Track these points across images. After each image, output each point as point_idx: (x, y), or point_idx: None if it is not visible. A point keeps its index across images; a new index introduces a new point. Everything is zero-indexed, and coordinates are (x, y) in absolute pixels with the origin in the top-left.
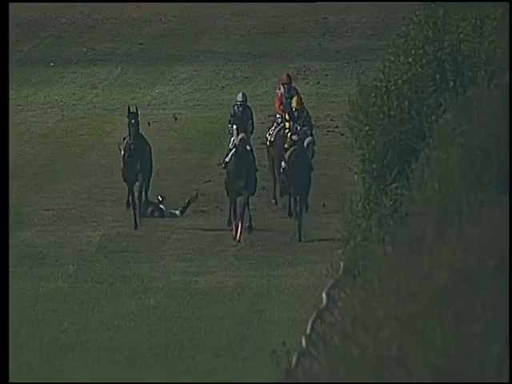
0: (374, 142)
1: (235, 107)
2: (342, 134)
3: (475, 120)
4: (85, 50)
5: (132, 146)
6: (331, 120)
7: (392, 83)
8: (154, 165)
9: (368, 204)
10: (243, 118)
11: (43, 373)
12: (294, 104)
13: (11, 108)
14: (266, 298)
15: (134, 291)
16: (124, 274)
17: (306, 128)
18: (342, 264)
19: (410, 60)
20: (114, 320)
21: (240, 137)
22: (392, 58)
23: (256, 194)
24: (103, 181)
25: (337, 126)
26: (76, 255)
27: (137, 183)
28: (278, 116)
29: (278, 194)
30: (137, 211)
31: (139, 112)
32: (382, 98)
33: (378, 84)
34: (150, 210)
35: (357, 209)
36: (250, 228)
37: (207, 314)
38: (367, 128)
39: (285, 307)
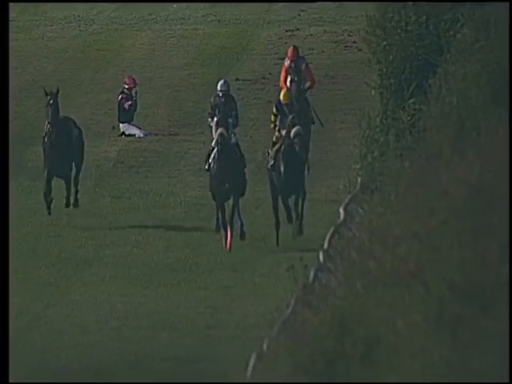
0: (391, 56)
1: (216, 98)
2: (360, 49)
3: (493, 35)
4: None
5: (53, 132)
6: (349, 35)
7: None
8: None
9: (385, 119)
10: (225, 109)
11: (62, 288)
12: (281, 97)
13: (29, 23)
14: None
15: (152, 206)
16: (141, 188)
17: (293, 116)
18: (359, 179)
19: None
20: (131, 235)
21: (218, 132)
22: None
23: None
24: None
25: (354, 42)
26: (93, 170)
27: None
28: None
29: None
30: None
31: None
32: (399, 13)
33: None
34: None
35: (374, 124)
36: (242, 235)
37: None
38: (385, 43)
39: (302, 222)
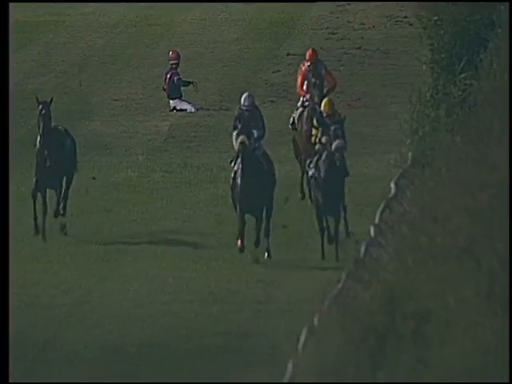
0: (442, 31)
1: (240, 110)
2: (411, 24)
3: None
4: None
5: (44, 144)
6: (400, 10)
7: None
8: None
9: (436, 94)
10: (249, 120)
11: (113, 263)
12: (323, 108)
13: None
14: None
15: (202, 181)
16: (192, 163)
17: (336, 126)
18: (410, 154)
19: None
20: (182, 209)
21: (240, 140)
22: None
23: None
24: None
25: (406, 16)
26: (145, 145)
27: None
28: (301, 98)
29: (305, 185)
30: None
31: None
32: None
33: None
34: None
35: (425, 98)
36: (269, 254)
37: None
38: (436, 18)
39: (353, 197)
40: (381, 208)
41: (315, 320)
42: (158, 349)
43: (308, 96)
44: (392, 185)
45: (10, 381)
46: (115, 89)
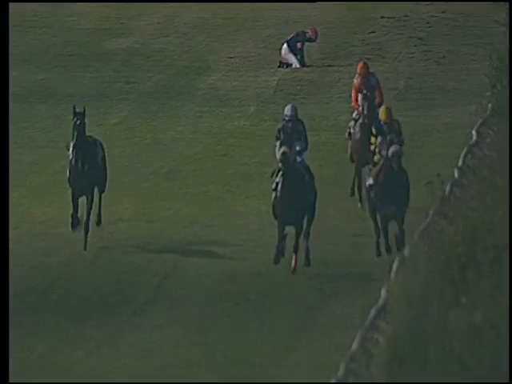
0: None
1: (283, 122)
2: None
3: None
4: None
5: (79, 154)
6: None
7: None
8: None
9: None
10: (291, 132)
11: (227, 201)
12: (381, 116)
13: None
14: (423, 135)
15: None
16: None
17: (392, 135)
18: (489, 105)
19: None
20: None
21: (281, 151)
22: None
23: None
24: (280, 32)
25: None
26: (255, 97)
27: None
28: (355, 112)
29: (356, 186)
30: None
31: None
32: None
33: None
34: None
35: (503, 56)
36: (308, 261)
37: None
38: None
39: (439, 143)
40: (463, 153)
41: (405, 251)
42: (266, 276)
43: (360, 108)
44: (473, 132)
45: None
46: (230, 48)
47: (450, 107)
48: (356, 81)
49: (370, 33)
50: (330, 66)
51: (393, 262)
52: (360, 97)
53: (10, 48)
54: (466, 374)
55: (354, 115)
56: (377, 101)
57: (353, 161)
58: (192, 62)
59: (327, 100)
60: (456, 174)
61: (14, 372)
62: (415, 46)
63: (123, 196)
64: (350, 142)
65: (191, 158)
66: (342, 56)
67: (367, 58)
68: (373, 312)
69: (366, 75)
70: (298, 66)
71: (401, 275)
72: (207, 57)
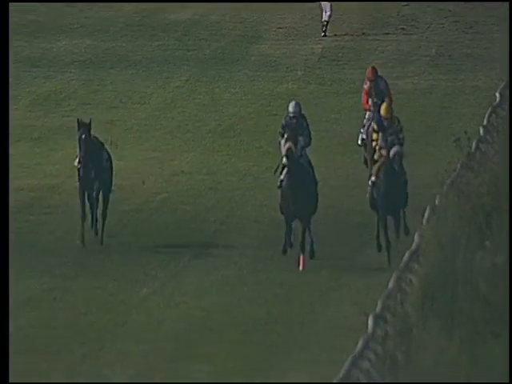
0: None
1: (287, 118)
2: None
3: None
4: None
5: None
6: None
7: None
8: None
9: None
10: (295, 127)
11: (278, 156)
12: (382, 112)
13: None
14: (452, 97)
15: (347, 91)
16: (340, 77)
17: (393, 137)
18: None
19: None
20: (330, 114)
21: (286, 147)
22: None
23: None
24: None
25: None
26: (303, 63)
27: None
28: (367, 114)
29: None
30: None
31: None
32: None
33: None
34: None
35: None
36: (312, 253)
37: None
38: None
39: (467, 104)
40: (488, 112)
41: (436, 201)
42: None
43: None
44: (497, 94)
45: None
46: (279, 19)
47: (476, 72)
48: (365, 85)
49: (404, 5)
50: (368, 35)
51: (424, 210)
52: (370, 101)
53: (83, 19)
54: (491, 310)
55: (366, 116)
56: (387, 102)
57: (367, 166)
58: (245, 32)
59: (366, 65)
60: (481, 132)
61: (87, 311)
62: (445, 17)
63: (184, 151)
64: (363, 149)
65: (245, 118)
66: (379, 26)
67: (402, 28)
68: (407, 255)
69: (375, 79)
70: (326, 19)
71: (432, 222)
72: (259, 27)
